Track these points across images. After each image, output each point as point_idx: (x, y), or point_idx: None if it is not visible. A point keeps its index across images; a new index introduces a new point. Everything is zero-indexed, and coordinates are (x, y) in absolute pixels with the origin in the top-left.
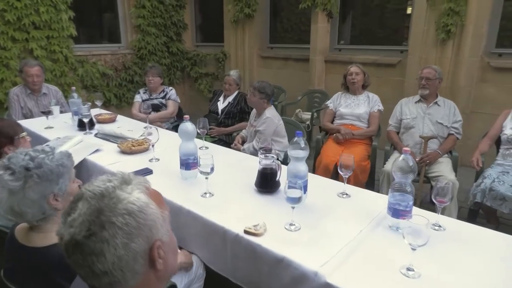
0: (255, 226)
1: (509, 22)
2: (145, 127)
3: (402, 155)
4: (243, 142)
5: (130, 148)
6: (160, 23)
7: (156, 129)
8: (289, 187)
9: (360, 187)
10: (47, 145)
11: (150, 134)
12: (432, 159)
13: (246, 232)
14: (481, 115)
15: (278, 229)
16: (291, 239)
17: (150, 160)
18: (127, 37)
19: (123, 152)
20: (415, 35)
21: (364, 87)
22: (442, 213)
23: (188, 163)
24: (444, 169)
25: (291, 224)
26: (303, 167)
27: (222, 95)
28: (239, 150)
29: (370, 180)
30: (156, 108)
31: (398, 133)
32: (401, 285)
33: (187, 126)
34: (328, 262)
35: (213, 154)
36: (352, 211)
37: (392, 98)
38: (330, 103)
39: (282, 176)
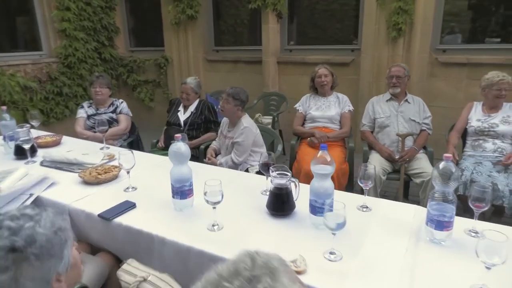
0: (294, 262)
1: (450, 20)
2: (101, 148)
3: (443, 162)
4: (216, 155)
5: (96, 177)
6: (89, 26)
7: (132, 152)
8: (315, 207)
9: (341, 190)
10: None
11: (111, 157)
12: (411, 156)
13: None
14: (434, 109)
15: (318, 261)
16: (337, 271)
17: (126, 190)
18: (50, 44)
19: (87, 182)
20: (367, 34)
21: (332, 88)
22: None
23: (183, 191)
24: (424, 165)
25: (331, 253)
26: (330, 183)
27: (181, 105)
28: (214, 164)
29: (349, 182)
30: (106, 124)
31: (372, 132)
32: None
33: (180, 146)
34: None
35: (197, 172)
36: (383, 227)
37: (348, 96)
38: (299, 106)
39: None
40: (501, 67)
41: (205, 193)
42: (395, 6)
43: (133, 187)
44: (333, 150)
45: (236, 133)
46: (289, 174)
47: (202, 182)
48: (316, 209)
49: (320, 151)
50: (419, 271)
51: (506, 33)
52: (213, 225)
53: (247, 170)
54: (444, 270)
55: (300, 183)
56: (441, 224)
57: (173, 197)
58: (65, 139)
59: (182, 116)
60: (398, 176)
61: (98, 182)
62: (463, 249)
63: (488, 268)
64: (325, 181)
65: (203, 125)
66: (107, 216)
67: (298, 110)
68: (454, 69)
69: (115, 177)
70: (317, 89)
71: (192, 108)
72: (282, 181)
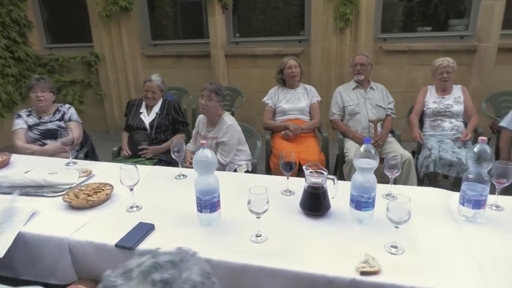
0: (366, 263)
1: (389, 10)
2: (67, 164)
3: (479, 145)
4: None
5: (87, 199)
6: None
7: (135, 166)
8: (361, 202)
9: None
10: None
11: (89, 174)
12: (383, 140)
13: (363, 273)
14: None
15: (382, 257)
16: (408, 265)
17: (130, 210)
18: None
19: (77, 207)
20: (316, 25)
21: (299, 79)
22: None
23: (213, 203)
24: (396, 147)
25: (392, 246)
26: (374, 177)
27: (143, 105)
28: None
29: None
30: (52, 135)
31: (342, 120)
32: None
33: (207, 154)
34: (483, 281)
35: (191, 179)
36: (421, 214)
37: None
38: (268, 100)
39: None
40: (437, 53)
41: (248, 202)
42: None
43: (137, 206)
44: (307, 141)
45: (219, 132)
46: (325, 172)
47: None
48: (362, 204)
49: (364, 145)
50: (482, 255)
51: (436, 22)
52: (256, 236)
53: (235, 171)
54: (497, 247)
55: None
56: (478, 203)
57: (200, 211)
58: (14, 157)
59: (147, 118)
60: None
61: (91, 206)
62: (497, 223)
63: None
64: (370, 175)
65: (171, 126)
66: (128, 245)
67: (267, 104)
68: (397, 56)
69: (107, 198)
70: (284, 81)
71: (156, 108)
72: (318, 180)
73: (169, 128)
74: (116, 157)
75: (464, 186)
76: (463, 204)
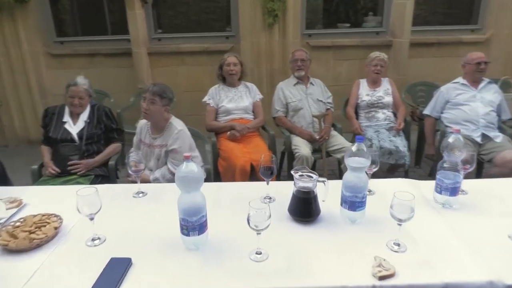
0: (380, 266)
1: (311, 6)
2: None
3: (453, 135)
4: None
5: (30, 238)
6: None
7: (95, 189)
8: (355, 203)
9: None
10: None
11: (19, 204)
12: (328, 134)
13: (381, 278)
14: None
15: (388, 256)
16: (415, 262)
17: (90, 245)
18: None
19: (17, 250)
20: (244, 21)
21: (241, 78)
22: None
23: (201, 223)
24: (341, 141)
25: (395, 244)
26: (365, 176)
27: (66, 113)
28: (146, 181)
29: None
30: None
31: (285, 116)
32: None
33: (192, 169)
34: (485, 264)
35: (152, 196)
36: (401, 206)
37: None
38: (209, 100)
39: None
40: (358, 48)
41: (248, 218)
42: None
43: (99, 238)
44: (254, 140)
45: (168, 139)
46: (315, 175)
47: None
48: (356, 204)
49: (356, 144)
50: (470, 239)
51: (354, 19)
52: (256, 253)
53: None
54: (477, 228)
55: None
56: (454, 190)
57: (187, 234)
58: None
59: (73, 128)
60: (319, 155)
61: (37, 246)
62: (468, 207)
63: None
64: (362, 174)
65: (104, 135)
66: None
67: (209, 104)
68: (323, 52)
69: (58, 231)
70: (224, 78)
71: (84, 116)
72: (309, 184)
73: (102, 138)
74: (39, 177)
75: (439, 175)
76: (440, 193)
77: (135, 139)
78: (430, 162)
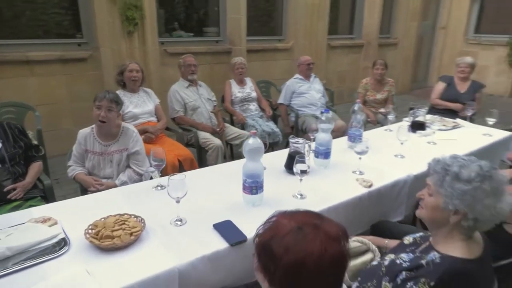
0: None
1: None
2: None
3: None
4: None
5: (128, 233)
6: None
7: (185, 176)
8: (256, 188)
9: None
10: None
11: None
12: (224, 125)
13: (370, 186)
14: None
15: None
16: (373, 177)
17: (178, 224)
18: None
19: (124, 246)
20: (102, 28)
21: (141, 84)
22: None
23: (261, 183)
24: (235, 130)
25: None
26: (329, 137)
27: None
28: (111, 187)
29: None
30: None
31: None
32: None
33: (258, 142)
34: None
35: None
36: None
37: (90, 95)
38: None
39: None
40: (205, 54)
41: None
42: (126, 2)
43: (180, 220)
44: (167, 140)
45: (128, 143)
46: (301, 141)
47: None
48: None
49: (325, 114)
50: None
51: (197, 28)
52: (298, 194)
53: (151, 178)
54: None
55: None
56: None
57: (255, 193)
58: None
59: None
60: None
61: (136, 236)
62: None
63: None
64: (327, 135)
65: (24, 154)
66: (242, 238)
67: None
68: (178, 58)
69: (143, 223)
70: (125, 84)
71: None
72: (299, 145)
73: (22, 158)
74: None
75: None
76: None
77: (76, 150)
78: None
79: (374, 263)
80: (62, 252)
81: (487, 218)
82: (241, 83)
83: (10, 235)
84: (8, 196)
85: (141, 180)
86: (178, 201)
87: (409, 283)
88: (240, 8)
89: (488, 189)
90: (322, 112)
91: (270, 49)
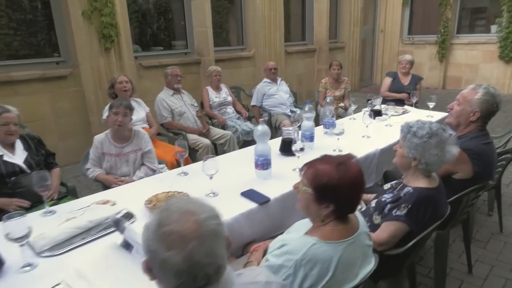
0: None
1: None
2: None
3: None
4: None
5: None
6: None
7: (216, 158)
8: (267, 164)
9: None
10: None
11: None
12: (208, 127)
13: None
14: (149, 103)
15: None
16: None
17: (212, 196)
18: None
19: None
20: (80, 46)
21: (131, 94)
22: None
23: (270, 161)
24: (218, 131)
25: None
26: (312, 123)
27: None
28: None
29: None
30: None
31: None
32: None
33: (266, 127)
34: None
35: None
36: None
37: (72, 110)
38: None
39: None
40: (182, 66)
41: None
42: (103, 20)
43: (214, 193)
44: (160, 144)
45: (141, 143)
46: (291, 129)
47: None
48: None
49: (307, 104)
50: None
51: (165, 42)
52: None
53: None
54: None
55: None
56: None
57: (266, 168)
58: None
59: (15, 158)
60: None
61: None
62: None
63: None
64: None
65: (45, 161)
66: (267, 199)
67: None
68: (153, 70)
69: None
70: (116, 95)
71: (19, 145)
72: (290, 131)
73: (43, 164)
74: None
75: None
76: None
77: (94, 154)
78: None
79: (363, 209)
80: (132, 222)
81: (434, 163)
82: (218, 89)
83: (83, 214)
84: (46, 196)
85: (153, 174)
86: (211, 178)
87: (394, 210)
88: (205, 21)
89: (433, 143)
90: (292, 111)
91: (235, 58)
